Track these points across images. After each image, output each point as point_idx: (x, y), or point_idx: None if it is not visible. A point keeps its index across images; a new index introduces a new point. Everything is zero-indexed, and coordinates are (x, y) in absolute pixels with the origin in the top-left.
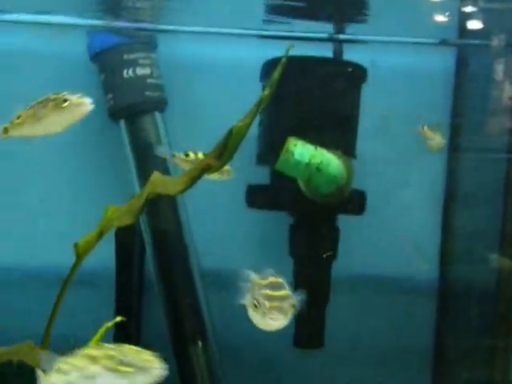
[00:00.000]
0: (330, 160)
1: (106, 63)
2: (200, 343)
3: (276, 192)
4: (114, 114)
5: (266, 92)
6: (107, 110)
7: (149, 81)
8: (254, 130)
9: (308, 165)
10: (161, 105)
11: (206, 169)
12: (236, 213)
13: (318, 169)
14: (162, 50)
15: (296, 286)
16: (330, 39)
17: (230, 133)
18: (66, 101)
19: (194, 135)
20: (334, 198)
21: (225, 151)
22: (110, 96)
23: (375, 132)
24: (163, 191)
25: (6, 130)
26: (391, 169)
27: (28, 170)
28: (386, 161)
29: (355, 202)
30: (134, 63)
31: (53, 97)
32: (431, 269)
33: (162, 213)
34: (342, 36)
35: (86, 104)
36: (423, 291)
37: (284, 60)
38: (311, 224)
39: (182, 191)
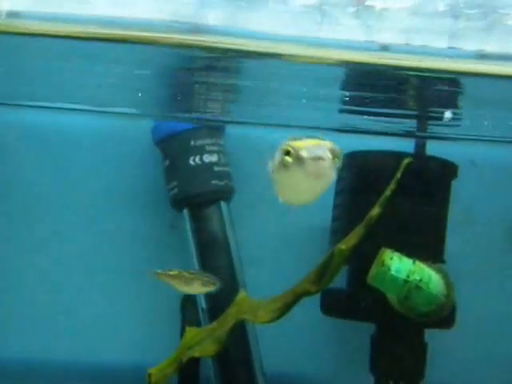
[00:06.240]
0: (430, 276)
1: (172, 149)
2: None
3: (355, 299)
4: (178, 203)
5: (376, 210)
6: (170, 198)
7: (216, 168)
8: (327, 223)
9: (406, 282)
10: (227, 194)
11: (302, 294)
12: (307, 315)
13: (418, 287)
14: (229, 136)
15: None
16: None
17: (332, 255)
18: None
19: (262, 225)
20: (432, 317)
21: (325, 275)
22: (173, 184)
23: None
24: (251, 318)
25: None
26: (477, 272)
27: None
28: (470, 263)
29: (445, 315)
30: (201, 150)
31: None
32: None
33: None
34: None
35: None
36: None
37: (405, 164)
38: (396, 338)
39: (274, 319)
